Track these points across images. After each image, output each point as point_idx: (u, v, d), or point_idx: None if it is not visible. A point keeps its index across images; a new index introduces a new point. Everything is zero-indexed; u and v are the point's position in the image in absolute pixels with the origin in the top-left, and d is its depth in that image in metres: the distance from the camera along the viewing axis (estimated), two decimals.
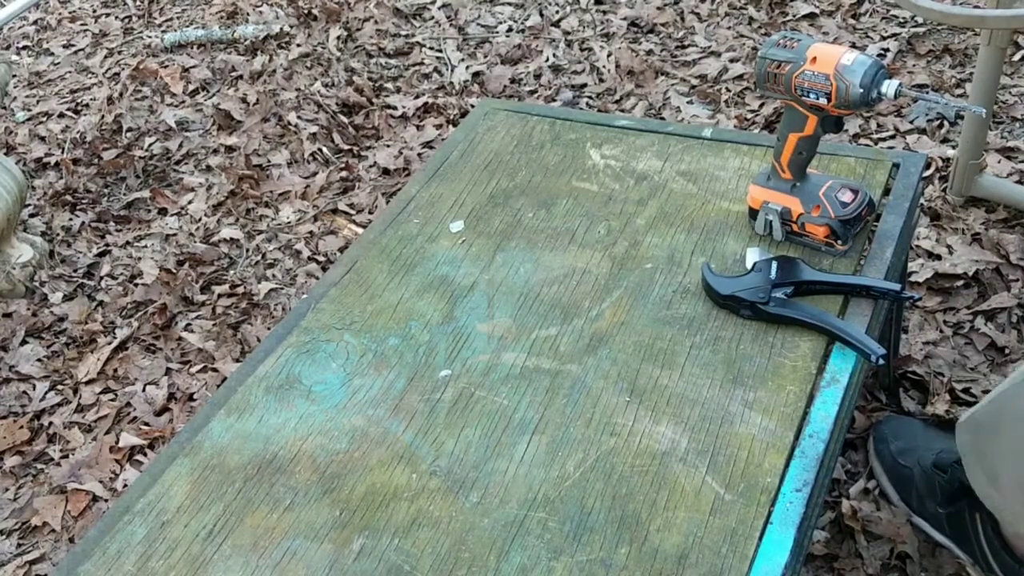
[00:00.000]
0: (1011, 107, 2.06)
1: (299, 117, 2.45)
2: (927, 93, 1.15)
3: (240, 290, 1.98)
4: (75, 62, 2.97)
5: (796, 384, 1.02)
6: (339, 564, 0.93)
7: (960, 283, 1.67)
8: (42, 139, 2.59)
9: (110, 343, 1.90)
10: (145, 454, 1.68)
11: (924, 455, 1.30)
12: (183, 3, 3.19)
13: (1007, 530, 1.12)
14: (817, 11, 2.48)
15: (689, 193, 1.31)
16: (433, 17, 2.84)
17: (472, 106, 2.38)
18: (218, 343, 1.86)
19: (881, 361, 1.01)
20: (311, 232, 2.11)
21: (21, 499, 1.64)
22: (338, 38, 2.78)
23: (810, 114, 1.11)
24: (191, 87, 2.71)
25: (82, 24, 3.19)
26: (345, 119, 2.44)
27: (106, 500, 1.61)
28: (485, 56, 2.60)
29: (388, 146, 2.34)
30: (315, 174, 2.28)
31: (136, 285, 2.05)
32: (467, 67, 2.57)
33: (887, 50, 2.29)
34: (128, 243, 2.19)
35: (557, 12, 2.73)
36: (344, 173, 2.27)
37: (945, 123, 2.05)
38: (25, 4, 2.17)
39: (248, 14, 3.01)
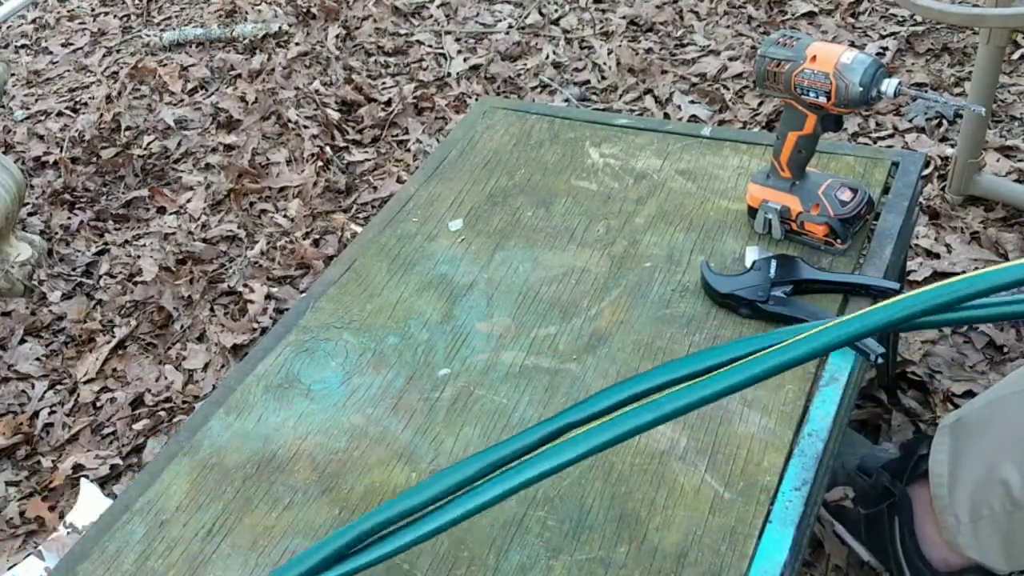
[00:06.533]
0: (1010, 106, 2.06)
1: (298, 115, 2.45)
2: (926, 92, 1.15)
3: (239, 288, 1.98)
4: (74, 61, 2.97)
5: (795, 383, 1.02)
6: None
7: None
8: (40, 138, 2.59)
9: (109, 342, 1.90)
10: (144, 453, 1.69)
11: (848, 459, 1.29)
12: (182, 2, 3.19)
13: (944, 535, 1.12)
14: (816, 10, 2.48)
15: (688, 192, 1.31)
16: (432, 15, 2.84)
17: (471, 104, 2.38)
18: (217, 342, 1.86)
19: (880, 360, 1.01)
20: (310, 230, 2.11)
21: (20, 498, 1.64)
22: (337, 37, 2.78)
23: (809, 113, 1.11)
24: (190, 86, 2.71)
25: (80, 23, 3.19)
26: (344, 117, 2.44)
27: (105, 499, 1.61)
28: (485, 53, 2.60)
29: (387, 144, 2.33)
30: (314, 172, 2.28)
31: (135, 284, 2.05)
32: (466, 65, 2.57)
33: (886, 49, 2.29)
34: (127, 242, 2.19)
35: (556, 10, 2.73)
36: (343, 171, 2.27)
37: (944, 122, 2.05)
38: (23, 2, 2.17)
39: (247, 13, 3.01)
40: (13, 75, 2.90)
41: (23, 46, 3.12)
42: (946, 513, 1.08)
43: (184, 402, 1.77)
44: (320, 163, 2.29)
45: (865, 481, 1.25)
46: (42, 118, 2.69)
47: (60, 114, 2.69)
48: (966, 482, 1.06)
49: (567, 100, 2.35)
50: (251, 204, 2.23)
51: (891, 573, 1.23)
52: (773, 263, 1.12)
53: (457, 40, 2.69)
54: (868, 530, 1.25)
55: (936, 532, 1.14)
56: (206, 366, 1.83)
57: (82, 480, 1.63)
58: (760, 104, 2.21)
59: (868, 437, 1.42)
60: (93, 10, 3.25)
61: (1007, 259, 1.68)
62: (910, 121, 2.07)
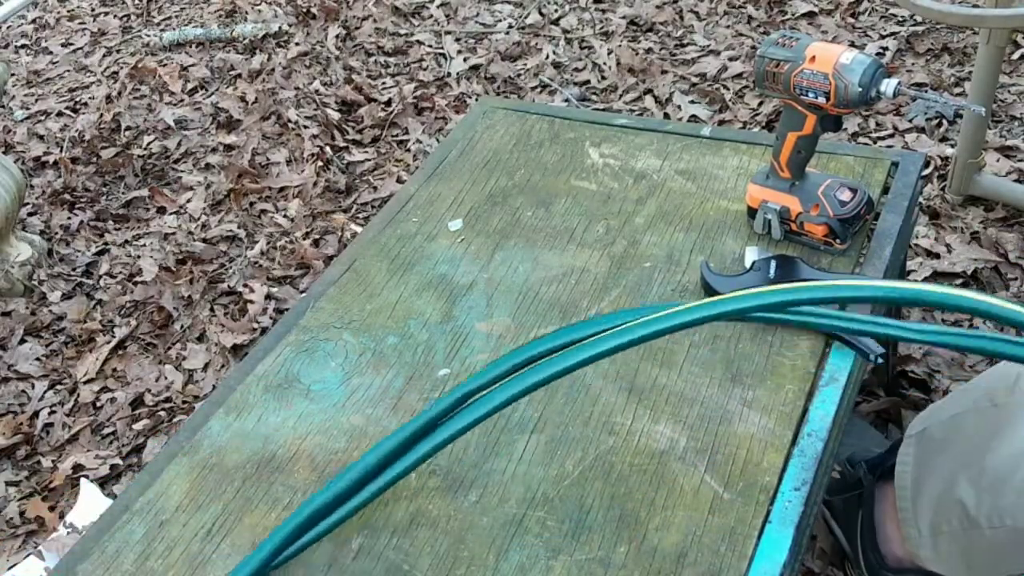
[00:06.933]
0: (1010, 106, 2.06)
1: (298, 115, 2.45)
2: (926, 92, 1.15)
3: (239, 288, 1.98)
4: (74, 61, 2.97)
5: (795, 383, 1.02)
6: (338, 563, 0.92)
7: (959, 281, 1.67)
8: (40, 138, 2.59)
9: (109, 342, 1.90)
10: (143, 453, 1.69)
11: (843, 450, 1.31)
12: (182, 2, 3.19)
13: (907, 545, 1.13)
14: (816, 10, 2.48)
15: (688, 192, 1.31)
16: (432, 15, 2.84)
17: (471, 104, 2.38)
18: (217, 342, 1.86)
19: (880, 360, 1.01)
20: (310, 230, 2.11)
21: (20, 498, 1.64)
22: (337, 37, 2.78)
23: (809, 113, 1.11)
24: (190, 86, 2.71)
25: (80, 23, 3.19)
26: (344, 117, 2.44)
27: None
28: (485, 53, 2.60)
29: (387, 144, 2.33)
30: (314, 172, 2.28)
31: (135, 284, 2.05)
32: (466, 65, 2.57)
33: (886, 49, 2.29)
34: (127, 242, 2.19)
35: (556, 10, 2.73)
36: (343, 171, 2.27)
37: (944, 122, 2.05)
38: (23, 2, 2.17)
39: (247, 13, 3.01)
40: (13, 75, 2.90)
41: (23, 46, 3.12)
42: (909, 525, 1.10)
43: (184, 402, 1.77)
44: (320, 163, 2.29)
45: (848, 472, 1.26)
46: (42, 118, 2.69)
47: (60, 114, 2.69)
48: (928, 497, 1.07)
49: (567, 100, 2.35)
50: (251, 204, 2.23)
51: (851, 560, 1.27)
52: (773, 263, 1.12)
53: (457, 40, 2.69)
54: (845, 516, 1.27)
55: (894, 530, 1.16)
56: (206, 366, 1.83)
57: (82, 480, 1.63)
58: (760, 104, 2.21)
59: (881, 430, 1.43)
60: (93, 10, 3.25)
61: (1007, 259, 1.68)
62: (910, 121, 2.07)
